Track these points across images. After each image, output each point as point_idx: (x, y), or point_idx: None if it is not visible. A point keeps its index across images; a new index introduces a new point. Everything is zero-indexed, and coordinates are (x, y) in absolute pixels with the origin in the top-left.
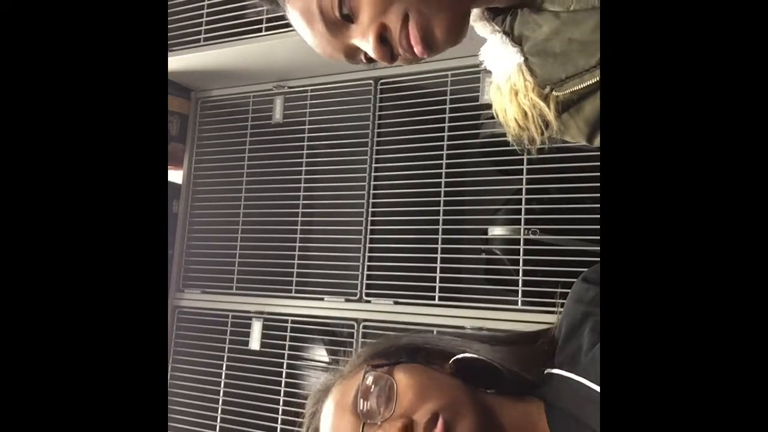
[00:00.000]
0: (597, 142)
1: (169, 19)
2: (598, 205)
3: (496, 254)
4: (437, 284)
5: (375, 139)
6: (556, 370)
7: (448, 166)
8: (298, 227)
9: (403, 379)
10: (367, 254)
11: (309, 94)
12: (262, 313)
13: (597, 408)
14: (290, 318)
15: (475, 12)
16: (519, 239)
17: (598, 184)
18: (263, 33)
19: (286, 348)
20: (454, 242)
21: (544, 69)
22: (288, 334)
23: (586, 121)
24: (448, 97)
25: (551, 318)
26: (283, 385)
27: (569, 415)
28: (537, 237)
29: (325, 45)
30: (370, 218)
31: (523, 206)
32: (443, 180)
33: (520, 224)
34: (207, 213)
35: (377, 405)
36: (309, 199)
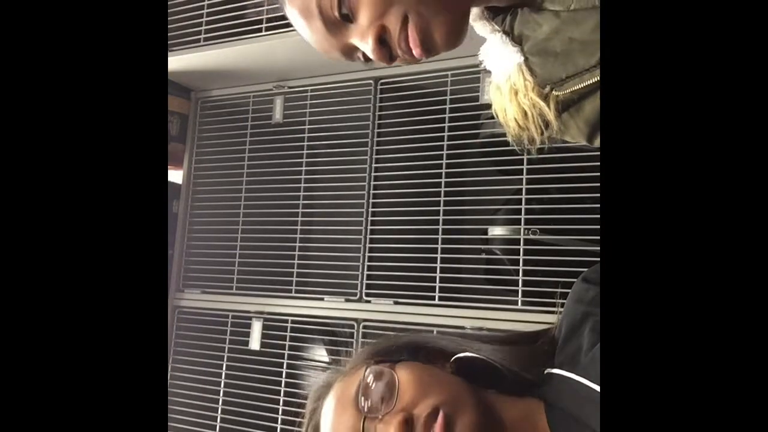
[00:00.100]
0: (597, 142)
1: (169, 19)
2: (598, 205)
3: (496, 254)
4: (437, 284)
5: (375, 139)
6: (556, 370)
7: (448, 166)
8: (298, 227)
9: (404, 375)
10: (367, 254)
11: (309, 94)
12: (262, 313)
13: (597, 408)
14: (290, 318)
15: (474, 11)
16: (519, 239)
17: (598, 184)
18: (263, 33)
19: (286, 348)
20: (454, 242)
21: (544, 68)
22: (288, 334)
23: (586, 120)
24: (448, 97)
25: (551, 318)
26: (283, 385)
27: (569, 414)
28: (537, 237)
29: (323, 42)
30: (370, 218)
31: (523, 206)
32: (443, 180)
33: (520, 224)
34: (207, 213)
35: (378, 399)
36: (309, 199)
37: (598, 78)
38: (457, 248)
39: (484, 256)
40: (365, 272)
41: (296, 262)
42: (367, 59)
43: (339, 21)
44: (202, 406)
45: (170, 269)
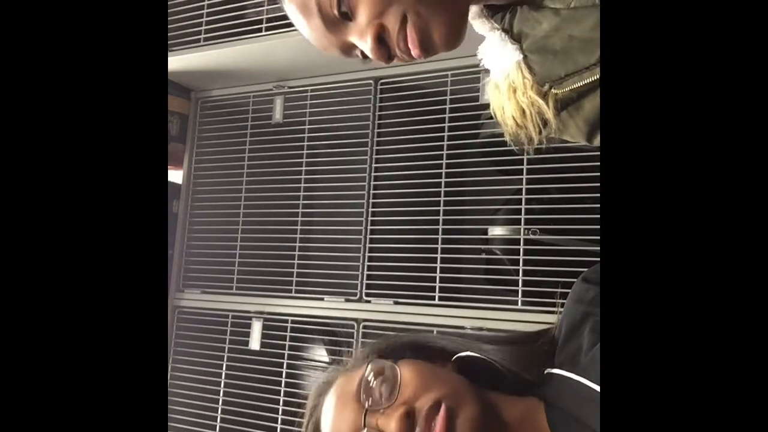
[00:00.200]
0: (596, 142)
1: (169, 19)
2: (598, 205)
3: (496, 254)
4: (437, 284)
5: (375, 139)
6: (556, 370)
7: (448, 166)
8: (298, 227)
9: (406, 370)
10: (367, 254)
11: (309, 94)
12: (262, 313)
13: (597, 408)
14: (290, 318)
15: (473, 10)
16: (519, 239)
17: (598, 184)
18: (263, 33)
19: (286, 348)
20: (454, 242)
21: (543, 66)
22: (288, 334)
23: (585, 119)
24: (448, 97)
25: (551, 318)
26: (283, 385)
27: (569, 414)
28: (537, 237)
29: (322, 40)
30: (370, 218)
31: (523, 206)
32: (443, 180)
33: (520, 224)
34: (207, 213)
35: (380, 393)
36: (309, 199)
37: (598, 76)
38: (457, 248)
39: (484, 256)
40: (365, 272)
41: (296, 262)
42: (365, 57)
43: (338, 19)
44: (202, 406)
45: (170, 269)
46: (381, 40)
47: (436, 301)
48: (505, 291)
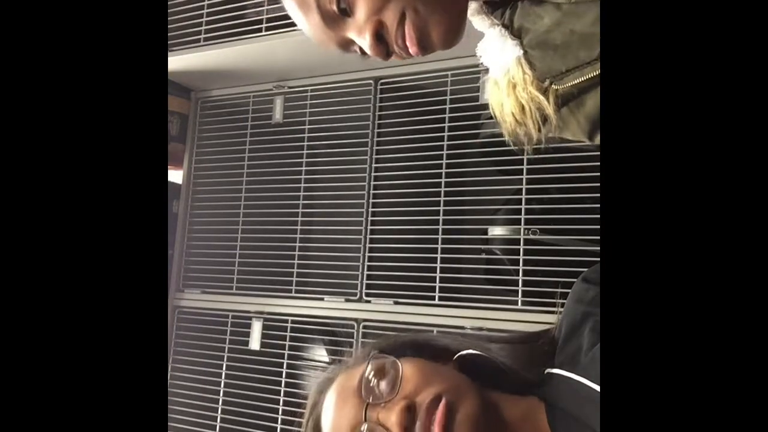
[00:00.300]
0: (597, 139)
1: (169, 19)
2: (598, 205)
3: (496, 254)
4: (437, 284)
5: (375, 139)
6: (556, 370)
7: (448, 166)
8: (298, 227)
9: (408, 366)
10: (367, 254)
11: (309, 94)
12: (262, 313)
13: (597, 408)
14: (290, 318)
15: (472, 6)
16: (519, 239)
17: (598, 184)
18: (263, 33)
19: (286, 348)
20: (454, 242)
21: (543, 62)
22: (288, 334)
23: (587, 116)
24: (448, 97)
25: (551, 318)
26: (283, 385)
27: (569, 414)
28: (537, 237)
29: (320, 34)
30: (370, 218)
31: (523, 206)
32: (443, 180)
33: (520, 224)
34: (207, 213)
35: (381, 388)
36: (309, 199)
37: (599, 71)
38: (457, 248)
39: (484, 256)
40: (365, 272)
41: (296, 262)
42: (363, 53)
43: (337, 15)
44: (202, 406)
45: (170, 269)
46: (379, 36)
47: (436, 301)
48: (505, 291)
